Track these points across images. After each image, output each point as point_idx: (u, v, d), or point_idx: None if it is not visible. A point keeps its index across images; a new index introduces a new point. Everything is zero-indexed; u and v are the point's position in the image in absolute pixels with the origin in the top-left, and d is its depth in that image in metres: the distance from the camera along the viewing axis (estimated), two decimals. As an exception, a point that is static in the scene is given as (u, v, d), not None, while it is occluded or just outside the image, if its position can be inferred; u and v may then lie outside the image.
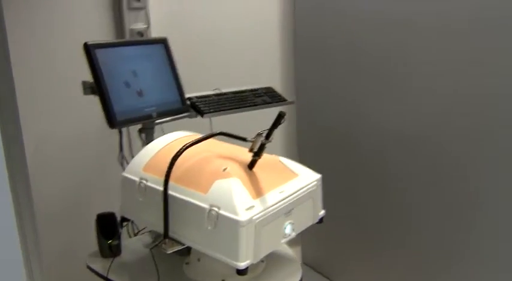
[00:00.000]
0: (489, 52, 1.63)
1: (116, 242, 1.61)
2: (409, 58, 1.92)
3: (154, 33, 2.05)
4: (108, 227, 1.62)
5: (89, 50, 1.44)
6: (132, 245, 1.70)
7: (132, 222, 1.63)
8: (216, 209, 1.21)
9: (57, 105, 1.97)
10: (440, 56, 1.80)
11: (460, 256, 1.87)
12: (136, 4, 1.99)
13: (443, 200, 1.90)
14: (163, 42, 1.68)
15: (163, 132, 1.58)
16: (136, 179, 1.39)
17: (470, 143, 1.76)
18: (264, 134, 1.28)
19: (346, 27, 2.16)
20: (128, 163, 1.51)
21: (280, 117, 1.26)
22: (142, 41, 1.84)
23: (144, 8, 2.02)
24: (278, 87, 2.07)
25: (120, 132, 1.67)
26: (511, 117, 1.60)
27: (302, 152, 2.58)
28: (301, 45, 2.45)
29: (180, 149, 1.28)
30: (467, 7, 1.67)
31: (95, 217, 1.65)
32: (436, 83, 1.84)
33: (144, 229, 1.77)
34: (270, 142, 1.28)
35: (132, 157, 1.53)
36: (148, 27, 2.03)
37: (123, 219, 1.48)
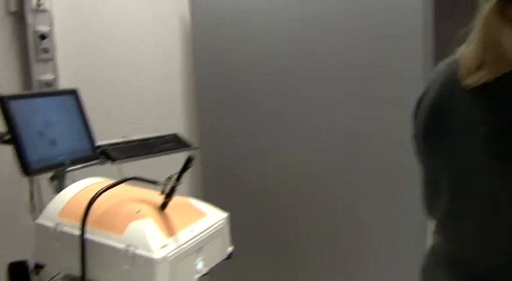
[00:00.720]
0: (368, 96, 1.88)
1: (28, 290, 1.62)
2: (298, 108, 2.13)
3: (63, 83, 2.11)
4: (21, 275, 1.63)
5: (3, 101, 1.49)
6: (45, 292, 1.71)
7: (46, 269, 1.65)
8: (132, 249, 1.29)
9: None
10: (323, 102, 2.03)
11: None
12: (44, 56, 2.04)
13: (340, 228, 2.09)
14: (74, 93, 1.76)
15: (74, 180, 1.63)
16: (52, 224, 1.44)
17: (349, 177, 1.99)
18: (174, 177, 1.39)
19: (244, 75, 2.35)
20: (39, 211, 1.55)
21: (189, 161, 1.37)
22: (55, 92, 1.90)
23: (52, 59, 2.08)
24: (183, 133, 2.18)
25: (32, 181, 1.71)
26: (384, 153, 1.85)
27: (208, 193, 2.69)
28: (203, 94, 2.61)
29: (96, 193, 1.35)
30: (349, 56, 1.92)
31: (5, 266, 1.65)
32: (318, 132, 2.07)
33: (56, 275, 1.78)
34: (180, 184, 1.40)
35: (43, 205, 1.57)
36: (56, 78, 2.08)
37: (37, 265, 1.50)
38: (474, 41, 0.78)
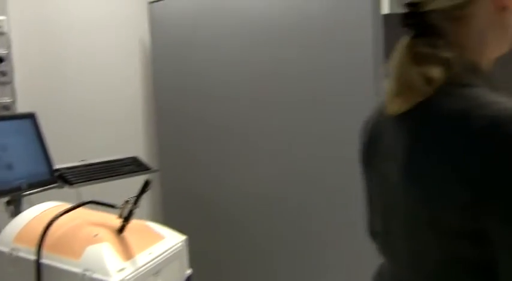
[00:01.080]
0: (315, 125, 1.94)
1: (-18, 317, 1.59)
2: (254, 129, 2.18)
3: (21, 107, 2.10)
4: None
5: (-42, 126, 1.49)
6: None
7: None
8: (89, 273, 1.29)
9: None
10: (279, 129, 2.08)
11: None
12: (2, 79, 2.03)
13: (301, 247, 2.13)
14: (32, 117, 1.76)
15: (32, 204, 1.62)
16: (7, 250, 1.43)
17: (307, 198, 2.03)
18: (132, 201, 1.40)
19: (203, 98, 2.39)
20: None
21: (147, 184, 1.39)
22: (12, 116, 1.90)
23: (10, 82, 2.07)
24: (143, 157, 2.20)
25: (-13, 206, 1.69)
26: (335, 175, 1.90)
27: (168, 216, 2.69)
28: (162, 117, 2.63)
29: (53, 218, 1.35)
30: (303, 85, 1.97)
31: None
32: (274, 151, 2.11)
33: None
34: (137, 207, 1.41)
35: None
36: (14, 102, 2.07)
37: (-8, 291, 1.49)
38: (391, 73, 0.85)
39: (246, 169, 2.25)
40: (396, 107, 0.83)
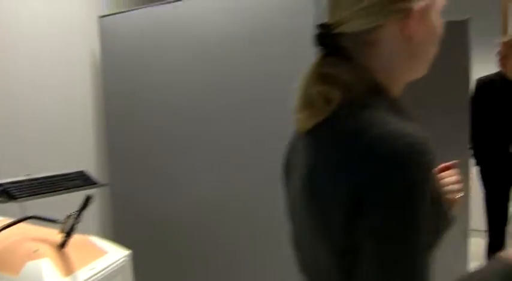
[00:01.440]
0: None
1: None
2: (206, 138, 2.20)
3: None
4: None
5: None
6: None
7: None
8: (27, 289, 1.29)
9: None
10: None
11: None
12: None
13: (248, 263, 2.14)
14: (-27, 131, 1.73)
15: (-27, 219, 1.60)
16: None
17: (256, 213, 2.06)
18: (74, 216, 1.40)
19: (152, 110, 2.41)
20: None
21: (88, 199, 1.40)
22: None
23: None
24: (92, 169, 2.18)
25: None
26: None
27: (118, 230, 2.67)
28: (113, 129, 2.62)
29: (-9, 234, 1.34)
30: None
31: None
32: (228, 161, 2.13)
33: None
34: (79, 222, 1.41)
35: None
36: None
37: None
38: (297, 91, 0.86)
39: (198, 182, 2.27)
40: (301, 124, 0.85)
